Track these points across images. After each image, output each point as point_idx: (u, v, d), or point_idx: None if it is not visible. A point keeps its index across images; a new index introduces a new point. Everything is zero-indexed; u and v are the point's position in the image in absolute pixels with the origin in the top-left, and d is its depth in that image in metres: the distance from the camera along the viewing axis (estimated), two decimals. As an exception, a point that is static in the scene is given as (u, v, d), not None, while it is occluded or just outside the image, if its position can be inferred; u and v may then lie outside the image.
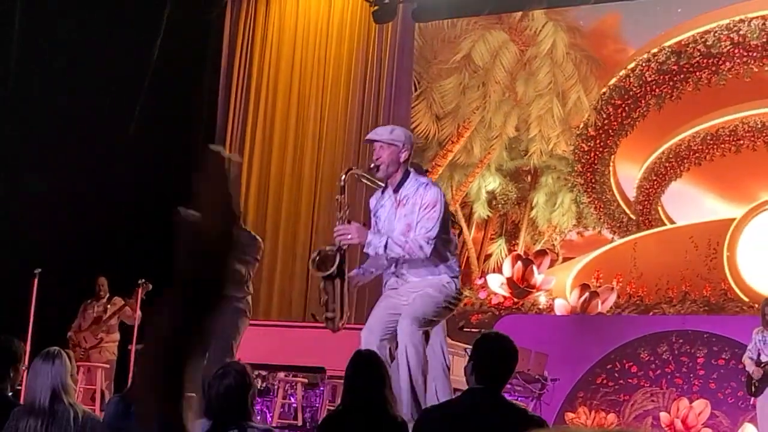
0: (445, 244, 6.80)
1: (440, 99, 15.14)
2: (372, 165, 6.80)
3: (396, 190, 6.72)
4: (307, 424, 11.23)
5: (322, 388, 11.40)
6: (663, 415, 12.86)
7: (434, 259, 6.67)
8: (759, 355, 10.74)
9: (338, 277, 6.73)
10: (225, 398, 5.56)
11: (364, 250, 6.79)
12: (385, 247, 6.48)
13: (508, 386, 11.36)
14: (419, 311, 6.61)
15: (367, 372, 5.87)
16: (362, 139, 14.53)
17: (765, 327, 10.75)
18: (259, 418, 11.49)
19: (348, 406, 5.88)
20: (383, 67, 14.88)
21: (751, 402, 11.17)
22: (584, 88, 14.26)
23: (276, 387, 11.67)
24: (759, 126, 12.98)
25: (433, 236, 6.54)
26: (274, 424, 11.13)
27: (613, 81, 14.03)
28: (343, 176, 7.02)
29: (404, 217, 6.64)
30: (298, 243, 14.08)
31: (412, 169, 6.87)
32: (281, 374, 11.53)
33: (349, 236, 6.66)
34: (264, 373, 11.32)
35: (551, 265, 14.39)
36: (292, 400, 11.90)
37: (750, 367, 10.75)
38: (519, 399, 11.49)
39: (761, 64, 13.01)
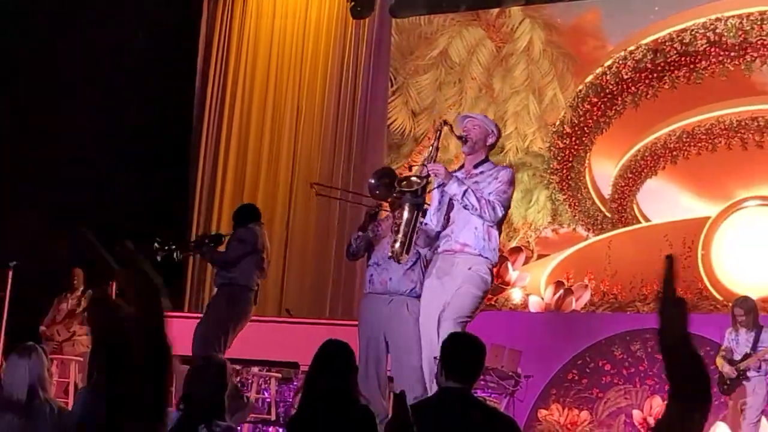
0: (500, 225, 7.05)
1: (417, 95, 15.03)
2: (461, 135, 7.08)
3: (474, 167, 7.02)
4: (281, 418, 11.10)
5: (296, 383, 11.29)
6: (636, 412, 12.77)
7: (486, 237, 6.89)
8: (732, 354, 10.70)
9: (417, 209, 6.90)
10: (201, 394, 5.46)
11: (445, 189, 6.89)
12: (464, 193, 6.70)
13: (482, 383, 11.29)
14: (461, 311, 6.86)
15: (337, 361, 5.82)
16: (338, 134, 14.41)
17: (735, 327, 10.73)
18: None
19: (315, 396, 5.78)
20: (360, 62, 14.77)
21: (723, 400, 11.11)
22: (561, 85, 14.18)
23: (250, 382, 11.54)
24: (735, 125, 12.92)
25: (506, 203, 6.85)
26: (247, 419, 11.02)
27: (589, 78, 13.95)
28: (440, 127, 7.24)
29: (475, 187, 6.85)
30: (273, 238, 13.89)
31: (491, 160, 7.20)
32: (255, 369, 11.41)
33: (439, 172, 6.87)
34: (238, 367, 11.19)
35: (526, 262, 14.29)
36: (266, 394, 11.77)
37: (723, 366, 10.71)
38: (492, 396, 11.39)
39: (737, 63, 12.96)
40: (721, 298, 12.87)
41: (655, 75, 13.41)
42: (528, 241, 14.35)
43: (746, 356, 10.72)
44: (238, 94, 14.82)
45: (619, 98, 13.69)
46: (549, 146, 14.16)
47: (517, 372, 11.67)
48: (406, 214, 6.90)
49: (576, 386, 13.10)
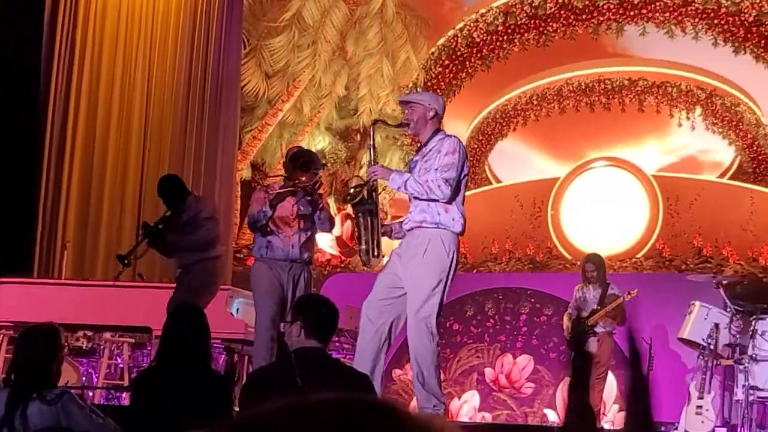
0: (456, 194, 6.94)
1: (270, 57, 14.74)
2: (400, 122, 7.14)
3: (425, 145, 6.96)
4: (132, 386, 10.80)
5: (149, 348, 10.99)
6: (488, 370, 12.85)
7: (441, 210, 6.85)
8: (579, 311, 10.79)
9: (370, 213, 6.97)
10: (29, 364, 5.25)
11: (388, 184, 7.10)
12: (405, 184, 6.75)
13: (337, 344, 11.17)
14: (419, 304, 6.83)
15: (189, 325, 5.80)
16: (191, 96, 14.06)
17: (585, 283, 10.81)
18: (84, 379, 11.03)
19: (165, 360, 5.74)
20: (212, 24, 14.40)
21: (571, 357, 11.21)
22: (414, 47, 14.11)
23: (102, 347, 11.19)
24: (583, 87, 13.05)
25: (451, 177, 6.73)
26: (100, 385, 10.67)
27: (442, 41, 13.92)
28: (371, 126, 7.23)
29: (425, 163, 6.83)
30: (126, 198, 13.48)
31: (443, 130, 7.10)
32: (107, 334, 11.07)
33: (376, 173, 6.90)
34: (89, 333, 10.84)
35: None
36: (119, 360, 11.44)
37: (565, 324, 10.81)
38: (347, 357, 11.30)
39: (586, 25, 13.04)
40: (570, 257, 12.99)
41: (505, 37, 13.42)
42: (382, 203, 14.25)
43: (593, 312, 10.80)
44: (87, 59, 14.26)
45: (470, 61, 13.66)
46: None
47: (372, 333, 11.69)
48: (362, 222, 6.98)
49: None
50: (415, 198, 6.80)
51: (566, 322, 10.94)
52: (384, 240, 7.11)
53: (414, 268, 6.81)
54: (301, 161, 7.89)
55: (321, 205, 8.04)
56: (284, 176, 8.14)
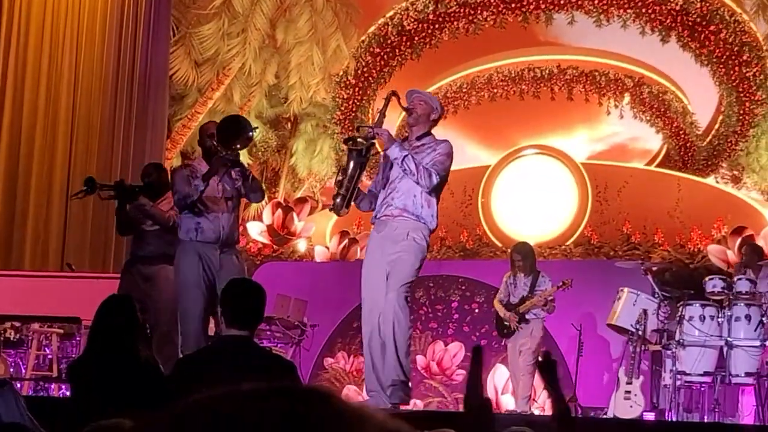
0: (437, 193, 7.38)
1: (199, 45, 14.61)
2: (407, 107, 7.37)
3: (417, 139, 7.30)
4: (63, 375, 10.66)
5: (78, 338, 10.85)
6: (419, 358, 12.84)
7: (424, 204, 7.23)
8: (509, 297, 10.81)
9: (360, 167, 7.26)
10: None
11: (385, 150, 7.22)
12: (404, 157, 7.00)
13: (268, 333, 11.12)
14: (403, 280, 7.15)
15: (119, 315, 5.79)
16: (119, 84, 13.88)
17: (513, 272, 10.84)
18: (12, 370, 10.87)
19: (97, 349, 5.76)
20: (140, 11, 14.21)
21: (503, 343, 11.23)
22: (344, 35, 14.05)
23: (30, 338, 11.04)
24: (513, 75, 13.08)
25: (442, 173, 7.13)
26: (28, 376, 10.53)
27: (372, 29, 13.86)
28: (389, 96, 7.40)
29: (415, 158, 7.12)
30: (54, 186, 13.28)
31: (434, 134, 7.46)
32: (35, 325, 10.92)
33: (384, 135, 7.19)
34: (17, 324, 10.68)
35: (311, 213, 14.16)
36: (47, 351, 11.30)
37: (500, 310, 10.82)
38: (279, 345, 11.27)
39: (516, 14, 13.07)
40: (500, 245, 13.03)
41: (436, 26, 13.41)
42: (313, 192, 14.23)
43: (523, 299, 10.82)
44: (12, 47, 13.98)
45: (401, 49, 13.63)
46: (333, 96, 14.02)
47: (303, 321, 11.60)
48: (350, 171, 7.16)
49: (360, 334, 13.06)
50: (404, 172, 7.05)
51: (499, 308, 10.93)
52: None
53: (400, 250, 7.10)
54: (234, 128, 7.76)
55: (250, 174, 7.93)
56: (214, 150, 7.76)
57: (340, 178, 7.31)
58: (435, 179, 7.07)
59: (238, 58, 14.25)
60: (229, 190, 7.95)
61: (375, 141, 7.44)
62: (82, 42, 14.04)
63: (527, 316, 10.90)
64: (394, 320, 7.05)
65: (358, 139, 7.34)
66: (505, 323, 10.95)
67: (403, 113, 7.73)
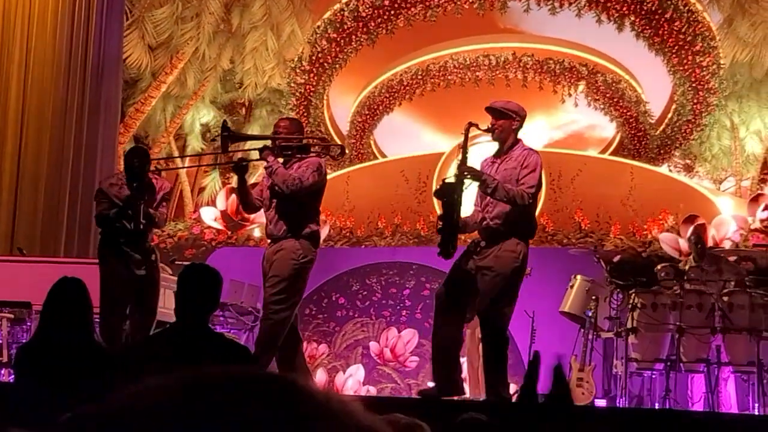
0: (534, 205, 7.76)
1: (153, 29, 14.45)
2: (488, 128, 7.58)
3: (505, 153, 7.47)
4: (13, 360, 10.55)
5: (28, 323, 10.73)
6: (372, 344, 12.84)
7: (517, 219, 7.45)
8: None
9: (452, 207, 7.41)
10: None
11: (479, 188, 7.43)
12: (494, 190, 7.21)
13: (221, 319, 11.06)
14: (499, 295, 7.51)
15: (72, 300, 5.81)
16: (71, 67, 13.70)
17: None
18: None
19: (48, 334, 5.74)
20: (93, -7, 14.02)
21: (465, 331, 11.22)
22: (299, 21, 13.97)
23: (-20, 323, 10.91)
24: (467, 62, 13.05)
25: (532, 192, 7.33)
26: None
27: (327, 15, 13.78)
28: (467, 128, 7.55)
29: (504, 170, 7.37)
30: (3, 173, 13.11)
31: (521, 139, 7.64)
32: (-15, 310, 10.79)
33: (470, 173, 7.35)
34: (-33, 310, 10.55)
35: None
36: (-3, 336, 11.16)
37: None
38: (232, 331, 11.23)
39: (472, 1, 13.03)
40: (452, 230, 13.00)
41: (392, 12, 13.33)
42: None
43: None
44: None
45: (357, 35, 13.57)
46: (288, 82, 13.93)
47: (256, 307, 11.45)
48: (450, 219, 7.40)
49: (314, 320, 13.08)
50: (499, 200, 7.23)
51: None
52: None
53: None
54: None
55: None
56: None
57: (442, 226, 7.46)
58: (527, 199, 7.29)
59: (192, 43, 14.12)
60: None
61: (463, 179, 7.45)
62: (33, 25, 13.84)
63: None
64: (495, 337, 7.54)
65: (446, 186, 7.47)
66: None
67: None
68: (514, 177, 7.38)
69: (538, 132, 11.96)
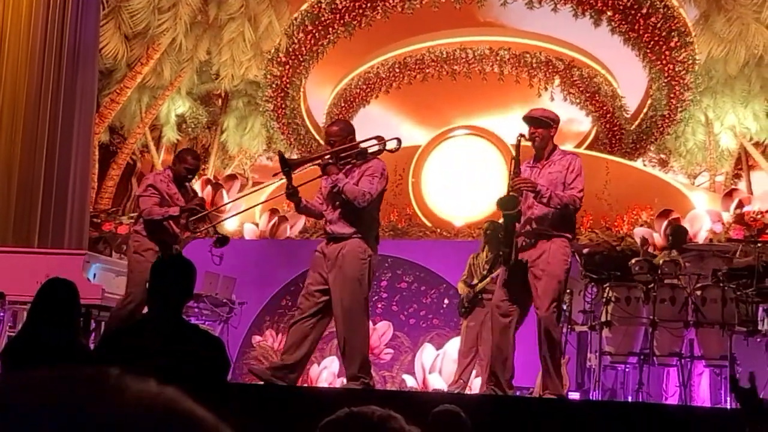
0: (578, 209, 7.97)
1: (129, 19, 14.32)
2: (529, 137, 7.79)
3: (546, 158, 7.74)
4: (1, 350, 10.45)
5: (2, 314, 10.64)
6: (349, 336, 12.78)
7: (560, 221, 7.81)
8: (472, 278, 10.69)
9: (513, 219, 7.74)
10: None
11: (532, 197, 7.65)
12: (550, 197, 7.52)
13: (196, 310, 11.00)
14: (553, 295, 7.89)
15: (61, 300, 5.91)
16: (47, 57, 13.59)
17: (482, 249, 10.61)
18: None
19: (36, 331, 5.84)
20: (69, -17, 13.88)
21: (461, 323, 11.08)
22: (276, 12, 13.87)
23: (-49, 314, 10.80)
24: (444, 55, 13.02)
25: (582, 196, 7.65)
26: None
27: (304, 6, 13.72)
28: (518, 140, 7.80)
29: (549, 173, 7.66)
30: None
31: (557, 145, 7.92)
32: (-43, 300, 10.69)
33: (526, 185, 7.63)
34: (-64, 301, 10.44)
35: (241, 190, 14.00)
36: (-30, 326, 11.05)
37: (462, 289, 10.57)
38: (207, 323, 11.17)
39: (448, -7, 13.03)
40: (429, 224, 12.99)
41: (368, 4, 13.27)
42: (243, 169, 14.08)
43: (483, 279, 10.49)
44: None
45: (334, 27, 13.51)
46: (264, 74, 13.84)
47: (231, 299, 11.48)
48: (509, 229, 7.76)
49: (289, 312, 12.98)
50: (553, 208, 7.54)
51: (460, 287, 10.78)
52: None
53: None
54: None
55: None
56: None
57: (504, 238, 7.92)
58: (579, 203, 7.65)
59: (169, 33, 14.00)
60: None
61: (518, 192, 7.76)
62: (8, 14, 13.72)
63: (484, 296, 10.67)
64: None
65: (511, 198, 7.68)
66: (464, 302, 10.76)
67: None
68: (560, 181, 7.67)
69: (516, 125, 11.91)
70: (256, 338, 12.92)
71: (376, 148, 8.29)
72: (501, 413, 8.99)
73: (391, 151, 9.03)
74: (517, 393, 11.04)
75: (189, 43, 13.82)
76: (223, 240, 9.26)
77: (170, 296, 5.49)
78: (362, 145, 8.12)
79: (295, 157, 8.04)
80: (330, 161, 7.86)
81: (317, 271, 7.94)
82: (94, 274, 12.62)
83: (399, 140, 8.90)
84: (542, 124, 7.76)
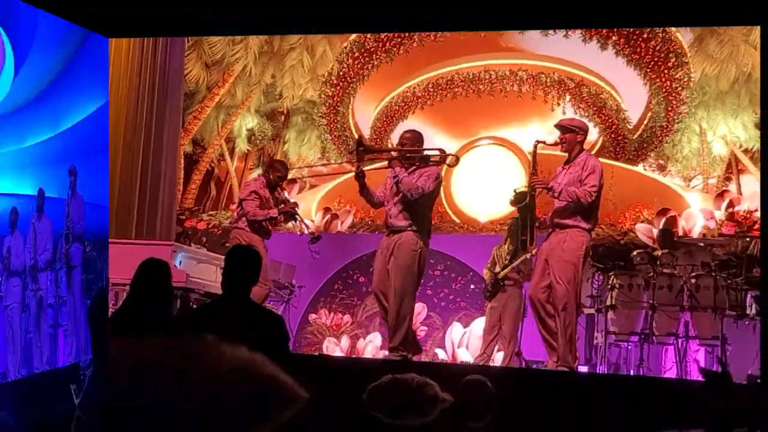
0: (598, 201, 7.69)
1: (209, 50, 13.78)
2: (556, 142, 7.71)
3: (572, 161, 7.62)
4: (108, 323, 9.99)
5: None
6: (390, 316, 12.10)
7: (581, 216, 7.56)
8: (495, 266, 10.06)
9: (531, 213, 7.72)
10: None
11: (547, 190, 7.58)
12: (560, 191, 7.42)
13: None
14: (569, 282, 7.53)
15: (158, 280, 6.01)
16: (143, 83, 13.10)
17: (504, 242, 10.09)
18: None
19: (135, 304, 5.94)
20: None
21: (485, 305, 10.27)
22: (329, 43, 13.27)
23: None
24: (471, 76, 12.27)
25: (595, 191, 7.36)
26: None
27: (352, 37, 13.01)
28: (535, 146, 7.74)
29: (570, 174, 7.52)
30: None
31: (585, 149, 7.78)
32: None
33: (540, 182, 7.63)
34: None
35: (300, 191, 13.38)
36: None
37: (487, 276, 10.07)
38: (270, 303, 10.73)
39: (474, 23, 12.27)
40: (458, 221, 12.24)
41: (406, 34, 12.58)
42: (302, 174, 13.39)
43: (505, 267, 9.94)
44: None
45: (377, 53, 12.82)
46: (319, 94, 13.20)
47: (291, 283, 11.17)
48: (527, 220, 7.68)
49: (339, 294, 12.41)
50: (564, 201, 7.42)
51: (485, 273, 10.34)
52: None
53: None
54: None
55: None
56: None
57: (523, 230, 7.79)
58: (590, 199, 7.35)
59: (241, 61, 13.46)
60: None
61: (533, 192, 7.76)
62: (112, 51, 13.35)
63: (506, 283, 10.22)
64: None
65: (517, 196, 7.79)
66: (488, 287, 10.29)
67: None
68: (577, 179, 7.43)
69: (533, 136, 11.08)
70: (312, 316, 12.40)
71: (437, 158, 8.18)
72: (520, 383, 8.68)
73: (449, 165, 8.88)
74: (533, 366, 10.34)
75: (257, 69, 13.23)
76: (316, 238, 9.49)
77: (239, 281, 5.46)
78: (426, 152, 8.04)
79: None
80: (396, 157, 7.87)
81: (379, 261, 8.00)
82: (180, 262, 12.32)
83: (457, 157, 8.72)
84: (568, 131, 7.61)
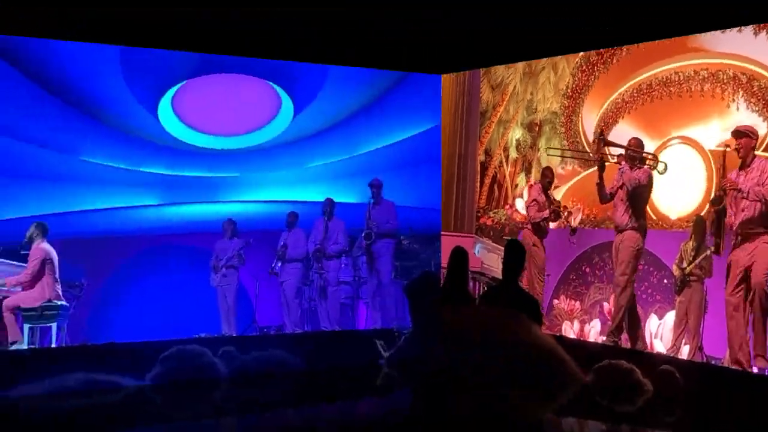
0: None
1: (493, 76, 13.34)
2: (735, 148, 7.44)
3: (748, 165, 7.27)
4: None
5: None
6: (605, 304, 10.80)
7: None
8: (682, 261, 9.18)
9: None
10: None
11: (739, 195, 7.33)
12: (748, 192, 7.22)
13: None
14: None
15: (461, 264, 6.32)
16: (458, 111, 13.36)
17: (690, 239, 9.15)
18: None
19: (452, 280, 6.24)
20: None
21: (675, 299, 9.38)
22: (567, 60, 12.06)
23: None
24: (664, 80, 10.25)
25: None
26: None
27: (580, 54, 11.56)
28: (726, 150, 7.58)
29: (750, 179, 7.17)
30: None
31: (757, 154, 7.47)
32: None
33: (731, 183, 7.42)
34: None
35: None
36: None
37: (676, 271, 9.30)
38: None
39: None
40: (654, 218, 10.34)
41: (614, 50, 10.94)
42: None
43: (690, 263, 9.06)
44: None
45: (597, 66, 11.41)
46: (559, 106, 12.10)
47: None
48: (717, 223, 7.71)
49: (573, 284, 11.37)
50: (751, 201, 7.10)
51: (675, 269, 9.14)
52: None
53: None
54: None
55: None
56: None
57: (718, 240, 7.67)
58: None
59: (512, 83, 12.83)
60: None
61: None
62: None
63: (691, 278, 8.89)
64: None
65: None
66: (677, 281, 9.05)
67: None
68: (757, 182, 6.94)
69: (713, 134, 9.04)
70: (555, 301, 11.48)
71: (651, 163, 8.42)
72: (703, 377, 7.76)
73: (658, 171, 8.52)
74: (713, 362, 8.70)
75: (521, 88, 12.53)
76: (575, 229, 10.35)
77: (511, 269, 5.87)
78: (644, 154, 8.26)
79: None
80: (623, 155, 8.35)
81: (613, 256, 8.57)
82: (477, 251, 12.45)
83: (666, 165, 8.58)
84: (743, 135, 7.15)
